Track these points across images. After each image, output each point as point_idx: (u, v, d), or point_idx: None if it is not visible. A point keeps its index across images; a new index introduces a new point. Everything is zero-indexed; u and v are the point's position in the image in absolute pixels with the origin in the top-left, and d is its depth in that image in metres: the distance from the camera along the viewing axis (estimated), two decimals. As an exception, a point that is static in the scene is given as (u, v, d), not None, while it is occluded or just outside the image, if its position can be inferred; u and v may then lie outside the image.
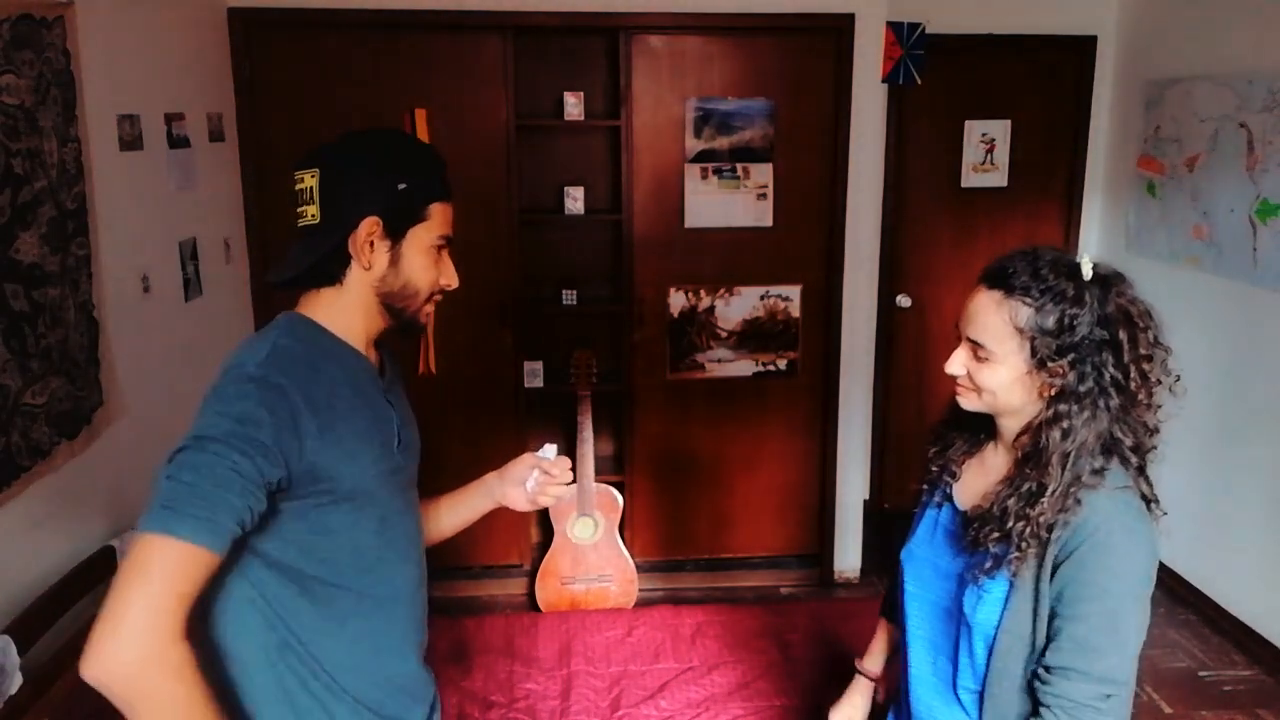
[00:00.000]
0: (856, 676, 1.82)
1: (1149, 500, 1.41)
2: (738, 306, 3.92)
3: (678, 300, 3.90)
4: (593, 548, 3.76)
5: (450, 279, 1.41)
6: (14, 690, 1.98)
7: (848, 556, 4.11)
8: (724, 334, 3.95)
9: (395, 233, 1.33)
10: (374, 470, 1.34)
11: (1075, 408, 1.36)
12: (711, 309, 3.92)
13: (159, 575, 1.11)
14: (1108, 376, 1.36)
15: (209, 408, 1.21)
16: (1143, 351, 1.37)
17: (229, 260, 3.40)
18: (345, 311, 1.36)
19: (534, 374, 3.93)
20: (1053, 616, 1.37)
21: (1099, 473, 1.37)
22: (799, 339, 3.97)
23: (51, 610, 2.22)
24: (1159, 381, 1.39)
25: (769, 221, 3.85)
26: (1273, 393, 3.40)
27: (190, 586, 1.12)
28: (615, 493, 3.83)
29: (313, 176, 1.32)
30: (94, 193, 2.47)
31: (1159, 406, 1.41)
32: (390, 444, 1.40)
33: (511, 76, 3.61)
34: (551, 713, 2.51)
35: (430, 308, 1.41)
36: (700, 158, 3.79)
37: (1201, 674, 3.40)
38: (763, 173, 3.82)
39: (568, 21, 3.61)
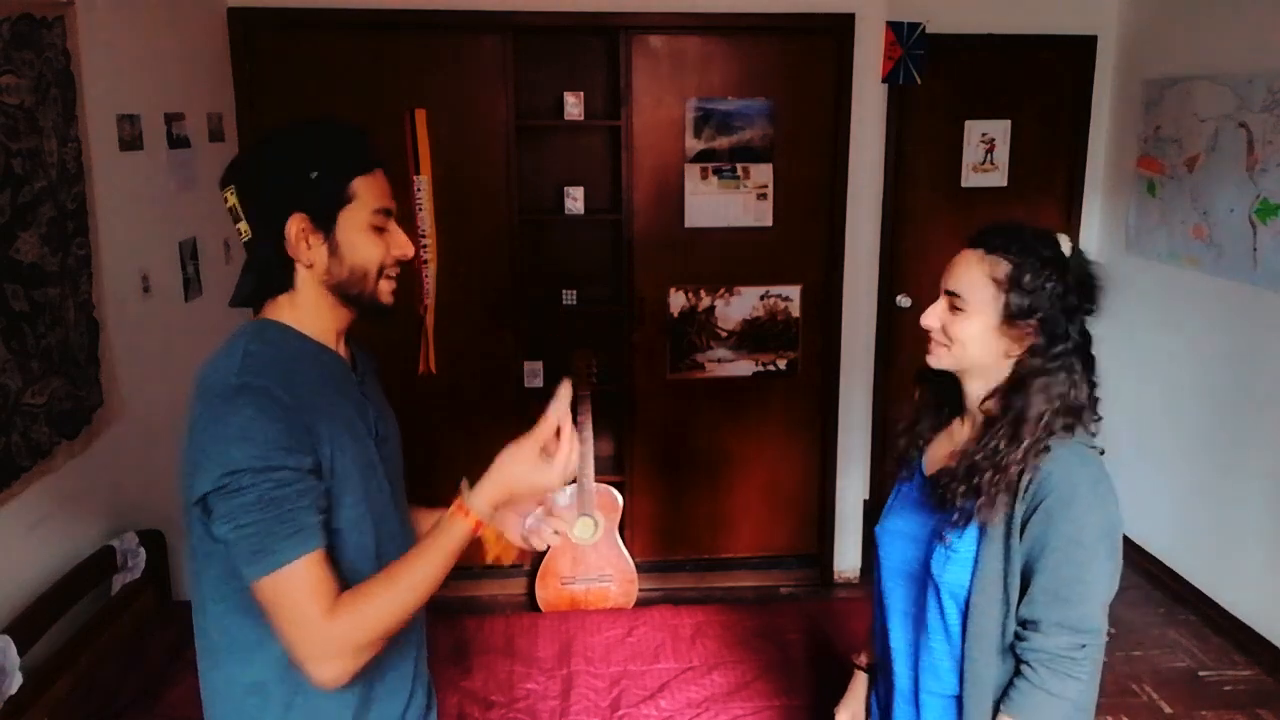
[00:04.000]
0: (856, 673, 1.83)
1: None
2: (738, 306, 3.92)
3: (678, 300, 3.90)
4: (593, 548, 3.76)
5: (402, 248, 1.35)
6: (14, 690, 1.98)
7: (847, 556, 4.11)
8: (724, 334, 3.95)
9: (324, 222, 1.29)
10: (364, 460, 1.34)
11: (1051, 367, 1.43)
12: (711, 309, 3.92)
13: (295, 604, 1.19)
14: (1073, 342, 1.44)
15: (211, 436, 1.20)
16: (1094, 319, 1.48)
17: (229, 260, 3.40)
18: (306, 311, 1.34)
19: (534, 374, 3.93)
20: (1026, 572, 1.42)
21: (1068, 429, 1.43)
22: (799, 339, 3.96)
23: (51, 610, 2.22)
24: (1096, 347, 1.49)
25: (769, 221, 3.85)
26: (1273, 393, 3.40)
27: (321, 588, 1.20)
28: (615, 493, 3.83)
29: (232, 194, 1.30)
30: (94, 193, 2.48)
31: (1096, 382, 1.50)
32: (371, 435, 1.39)
33: (511, 76, 3.61)
34: (551, 713, 2.51)
35: (389, 284, 1.36)
36: (700, 158, 3.79)
37: (1201, 674, 3.40)
38: (763, 173, 3.82)
39: (568, 21, 3.61)
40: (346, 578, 1.27)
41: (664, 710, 2.50)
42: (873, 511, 4.20)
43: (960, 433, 1.56)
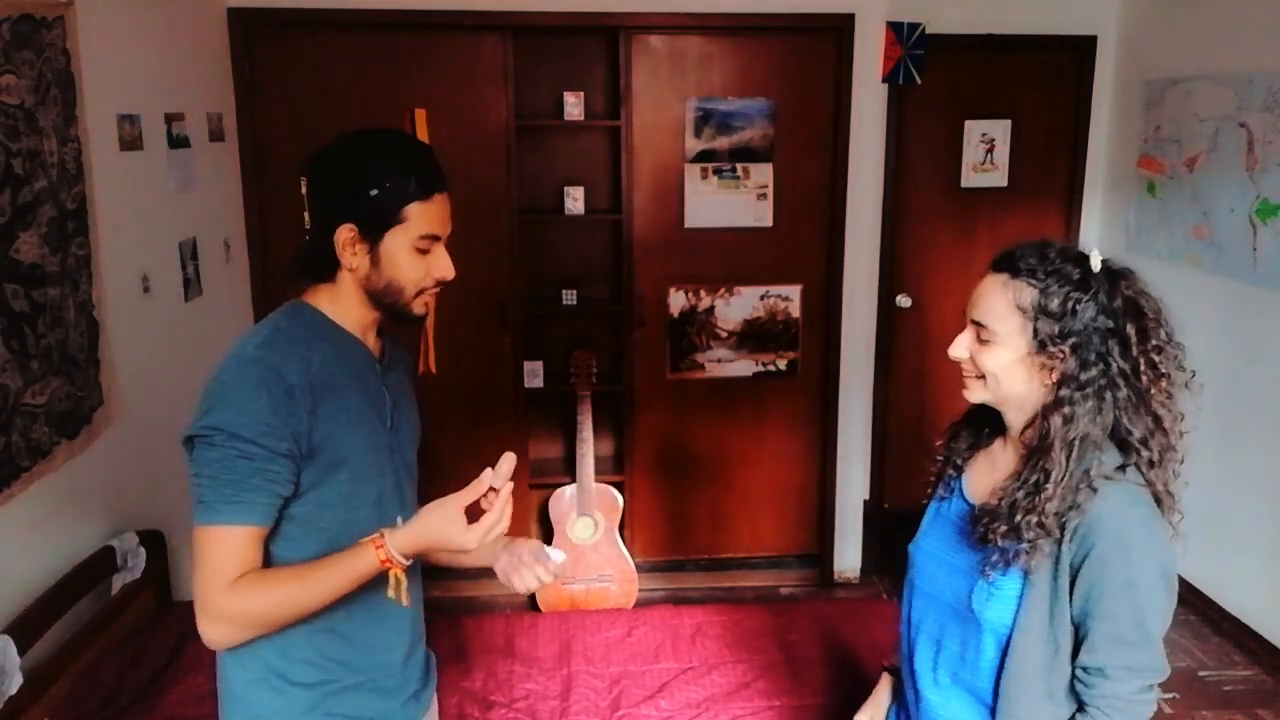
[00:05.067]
0: (882, 675, 1.79)
1: (1160, 499, 1.42)
2: (738, 306, 3.92)
3: (678, 300, 3.90)
4: (593, 548, 3.76)
5: (443, 271, 1.43)
6: (14, 690, 1.98)
7: (848, 556, 4.11)
8: (724, 334, 3.95)
9: (371, 237, 1.38)
10: (369, 443, 1.42)
11: (1078, 395, 1.36)
12: (711, 309, 3.92)
13: (209, 562, 1.30)
14: (1114, 367, 1.36)
15: (213, 394, 1.32)
16: (1154, 343, 1.38)
17: (229, 260, 3.40)
18: (341, 303, 1.43)
19: (534, 374, 3.93)
20: (1082, 617, 1.38)
21: (1119, 469, 1.37)
22: (799, 339, 3.96)
23: (51, 610, 2.22)
24: (1171, 376, 1.39)
25: (769, 221, 3.85)
26: (1273, 392, 3.40)
27: (235, 560, 1.30)
28: (615, 493, 3.83)
29: (303, 184, 1.41)
30: (94, 193, 2.47)
31: (1179, 415, 1.42)
32: (384, 422, 1.47)
33: (511, 76, 3.61)
34: (551, 713, 2.51)
35: (426, 299, 1.45)
36: (700, 158, 3.79)
37: (1201, 674, 3.40)
38: (763, 173, 3.82)
39: (568, 21, 3.61)
40: (325, 546, 1.35)
41: (664, 710, 2.50)
42: (873, 512, 4.20)
43: (1002, 457, 1.50)
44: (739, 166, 3.80)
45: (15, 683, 1.98)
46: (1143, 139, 4.04)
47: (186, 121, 3.05)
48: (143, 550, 2.59)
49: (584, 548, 3.76)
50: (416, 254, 1.40)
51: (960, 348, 1.45)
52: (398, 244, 1.38)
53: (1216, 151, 3.62)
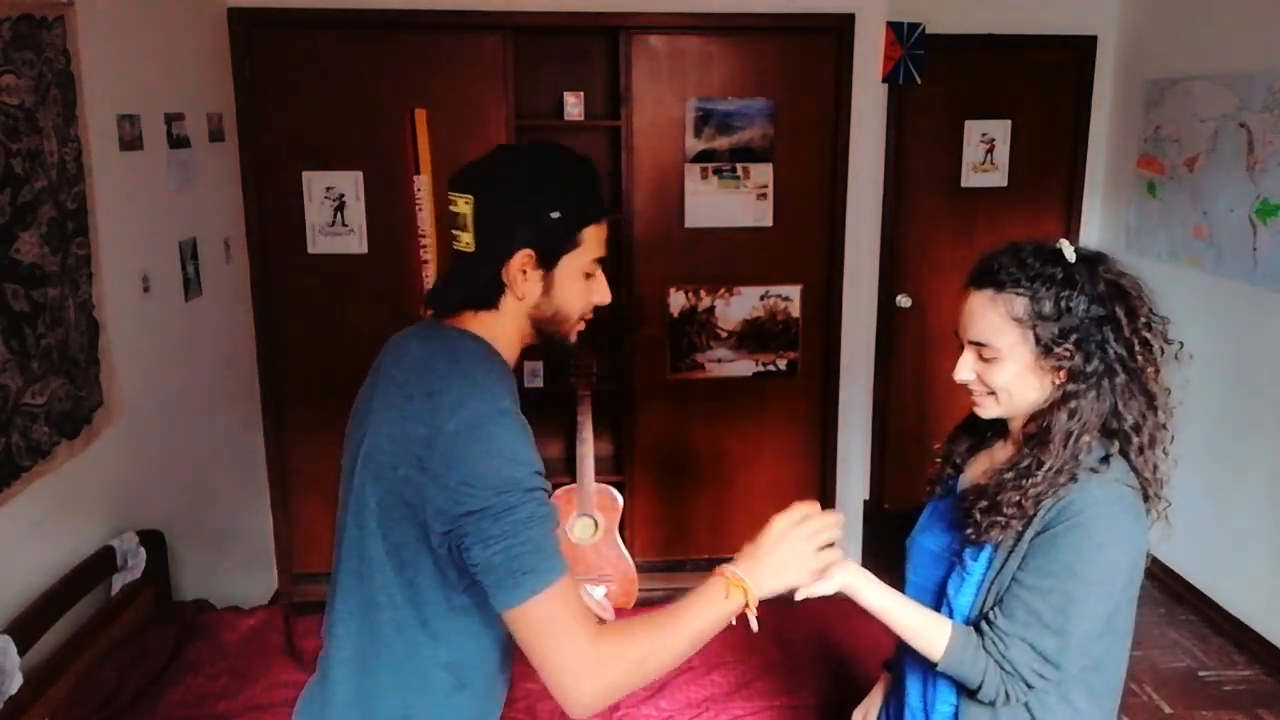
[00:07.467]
0: (884, 673, 1.80)
1: (1148, 488, 1.41)
2: (738, 306, 3.92)
3: (678, 300, 3.90)
4: (593, 548, 3.76)
5: (603, 296, 1.40)
6: (14, 690, 1.98)
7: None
8: (724, 334, 3.95)
9: (547, 262, 1.32)
10: None
11: (1083, 387, 1.36)
12: (711, 309, 3.92)
13: (563, 622, 1.21)
14: (1111, 353, 1.37)
15: (489, 454, 1.21)
16: (1142, 320, 1.38)
17: (229, 260, 3.40)
18: (503, 333, 1.36)
19: (534, 374, 3.93)
20: (1011, 583, 1.37)
21: (1105, 460, 1.37)
22: (799, 339, 3.96)
23: (51, 610, 2.22)
24: (1161, 350, 1.40)
25: (769, 221, 3.85)
26: (1273, 393, 3.40)
27: (578, 605, 1.23)
28: (615, 493, 3.82)
29: (467, 203, 1.30)
30: (94, 193, 2.47)
31: (1167, 391, 1.42)
32: None
33: (511, 76, 3.61)
34: (551, 713, 2.51)
35: (581, 325, 1.41)
36: (700, 158, 3.79)
37: (1201, 674, 3.40)
38: (763, 173, 3.82)
39: (568, 21, 3.61)
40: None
41: (664, 710, 2.50)
42: (873, 512, 4.20)
43: (1001, 454, 1.50)
44: (739, 166, 3.80)
45: (15, 683, 1.98)
46: (1142, 139, 4.05)
47: (186, 121, 3.05)
48: (143, 550, 2.59)
49: (584, 548, 3.76)
50: (584, 279, 1.36)
51: (965, 370, 1.44)
52: (571, 270, 1.33)
53: (1216, 151, 3.62)
